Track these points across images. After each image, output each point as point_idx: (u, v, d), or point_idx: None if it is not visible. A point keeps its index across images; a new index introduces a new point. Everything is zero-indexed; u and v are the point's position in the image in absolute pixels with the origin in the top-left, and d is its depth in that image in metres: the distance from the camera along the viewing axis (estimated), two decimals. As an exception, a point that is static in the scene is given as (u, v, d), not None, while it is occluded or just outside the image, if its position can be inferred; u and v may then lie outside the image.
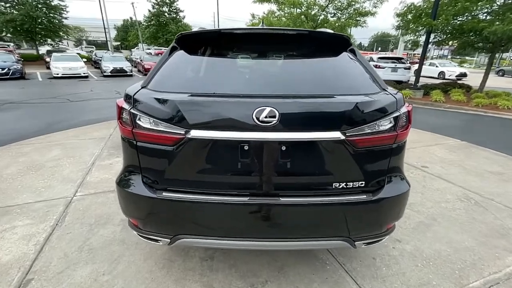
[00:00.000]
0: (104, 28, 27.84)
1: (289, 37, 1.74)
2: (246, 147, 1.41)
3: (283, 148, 1.42)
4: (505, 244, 2.39)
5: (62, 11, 23.58)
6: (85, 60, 18.04)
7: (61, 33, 24.60)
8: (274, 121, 1.37)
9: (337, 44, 1.78)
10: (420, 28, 10.75)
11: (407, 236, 2.46)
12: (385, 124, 1.47)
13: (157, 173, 1.52)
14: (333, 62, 1.76)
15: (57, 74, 15.32)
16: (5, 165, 3.76)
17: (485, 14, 10.20)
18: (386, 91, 1.60)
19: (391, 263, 2.14)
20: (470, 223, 2.69)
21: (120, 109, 1.53)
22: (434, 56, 44.37)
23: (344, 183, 1.51)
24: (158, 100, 1.46)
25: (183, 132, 1.41)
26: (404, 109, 1.53)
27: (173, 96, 1.46)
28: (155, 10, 31.09)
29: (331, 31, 1.78)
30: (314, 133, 1.42)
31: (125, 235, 2.37)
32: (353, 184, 1.51)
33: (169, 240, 1.58)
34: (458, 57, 48.46)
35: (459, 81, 14.23)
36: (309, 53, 1.80)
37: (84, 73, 16.03)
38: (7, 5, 21.38)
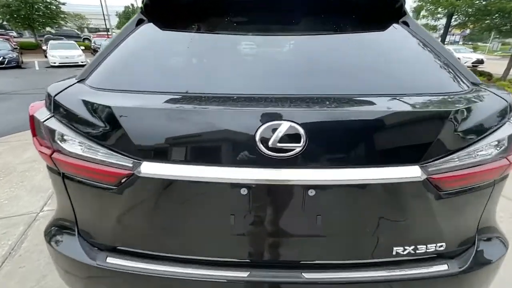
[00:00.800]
0: (103, 15, 26.91)
1: (313, 1, 1.13)
2: (244, 192, 0.82)
3: (311, 193, 0.81)
4: None
5: (59, -4, 22.79)
6: (83, 48, 17.34)
7: (59, 19, 23.88)
8: (298, 149, 0.76)
9: (384, 10, 1.16)
10: (440, 9, 9.83)
11: None
12: (491, 147, 0.87)
13: (98, 226, 0.96)
14: (381, 40, 1.14)
15: (54, 63, 14.84)
16: (-29, 169, 3.27)
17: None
18: (481, 87, 0.99)
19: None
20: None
21: (32, 118, 0.96)
22: (446, 43, 42.55)
23: (412, 247, 0.92)
24: (89, 105, 0.86)
25: (130, 165, 0.82)
26: None
27: (113, 99, 0.86)
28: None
29: None
30: (371, 169, 0.80)
31: (92, 271, 1.85)
32: (426, 248, 0.92)
33: None
34: (470, 43, 46.32)
35: (477, 69, 13.27)
36: (343, 27, 1.17)
37: (82, 62, 15.45)
38: None
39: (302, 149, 0.76)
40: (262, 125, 0.76)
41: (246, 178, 0.79)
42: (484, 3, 9.19)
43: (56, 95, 0.92)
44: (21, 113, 6.03)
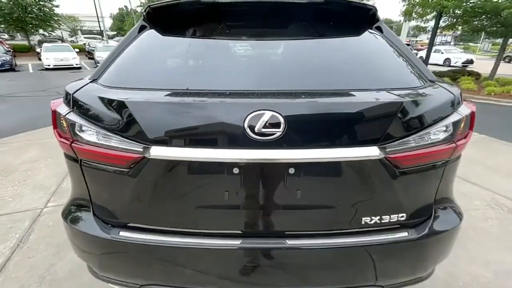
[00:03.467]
0: (98, 17, 26.83)
1: (298, 8, 1.29)
2: (235, 171, 0.97)
3: (292, 171, 0.97)
4: (554, 265, 2.00)
5: (52, -1, 22.68)
6: (77, 50, 17.30)
7: (52, 22, 23.75)
8: (278, 133, 0.92)
9: (360, 19, 1.32)
10: (429, 10, 10.10)
11: (435, 255, 2.06)
12: (440, 132, 1.03)
13: (111, 205, 1.10)
14: (356, 46, 1.30)
15: (49, 65, 14.76)
16: (-27, 169, 3.35)
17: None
18: (436, 83, 1.15)
19: (421, 295, 1.75)
20: (507, 236, 2.29)
21: (54, 113, 1.09)
22: (437, 43, 43.22)
23: (378, 217, 1.07)
24: (104, 100, 1.00)
25: (141, 149, 0.96)
26: (464, 110, 1.08)
27: (125, 94, 1.01)
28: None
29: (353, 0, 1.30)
30: (339, 149, 0.96)
31: (98, 260, 1.97)
32: (390, 218, 1.08)
33: None
34: (461, 43, 47.22)
35: (466, 68, 13.61)
36: (325, 33, 1.34)
37: (76, 64, 15.43)
38: None
39: (282, 133, 0.92)
40: (249, 114, 0.91)
41: (237, 157, 0.94)
42: (471, 5, 9.49)
43: (74, 93, 1.06)
44: (17, 116, 6.09)
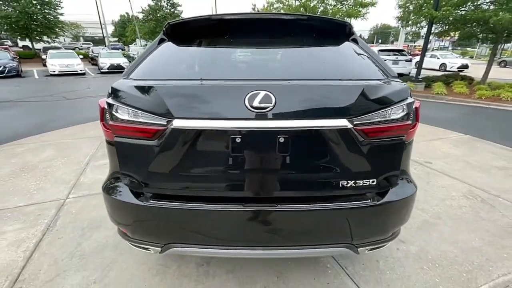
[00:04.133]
0: (101, 24, 27.41)
1: (287, 23, 1.66)
2: (238, 139, 1.27)
3: (281, 139, 1.27)
4: (513, 244, 2.30)
5: (57, 7, 23.22)
6: (81, 56, 17.77)
7: (57, 29, 24.29)
8: (270, 107, 1.23)
9: (338, 32, 1.69)
10: (422, 19, 10.53)
11: (411, 236, 2.36)
12: (398, 112, 1.34)
13: (142, 176, 1.40)
14: (334, 51, 1.66)
15: (54, 71, 15.17)
16: (-3, 166, 3.67)
17: (488, 3, 9.97)
18: (395, 79, 1.47)
19: (395, 265, 2.05)
20: (477, 222, 2.59)
21: (102, 108, 1.41)
22: (435, 48, 43.80)
23: (351, 182, 1.37)
24: (137, 87, 1.34)
25: (165, 123, 1.27)
26: (412, 101, 1.40)
27: (154, 82, 1.35)
28: (154, 3, 30.72)
29: (332, 17, 1.68)
30: (316, 120, 1.26)
31: (118, 240, 2.26)
32: (363, 182, 1.38)
33: (159, 249, 1.49)
34: (459, 48, 47.89)
35: (461, 73, 13.99)
36: (308, 41, 1.71)
37: (81, 70, 15.86)
38: (1, 1, 21.01)
39: (273, 107, 1.24)
40: (248, 93, 1.24)
41: (238, 127, 1.25)
42: (460, 13, 9.91)
43: (113, 85, 1.39)
44: (29, 119, 6.41)
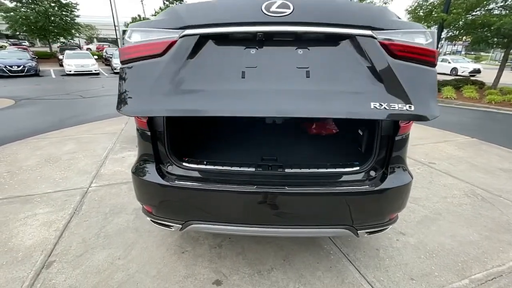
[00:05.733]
0: (114, 26, 28.19)
1: None
2: (252, 51, 1.37)
3: (300, 52, 1.37)
4: (509, 239, 2.41)
5: (73, 9, 24.03)
6: (96, 57, 18.35)
7: (73, 31, 25.10)
8: (288, 12, 1.30)
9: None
10: (432, 23, 10.56)
11: (411, 229, 2.50)
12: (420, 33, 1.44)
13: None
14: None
15: (70, 71, 15.73)
16: (24, 158, 3.95)
17: (500, 8, 9.94)
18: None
19: (394, 254, 2.19)
20: (476, 218, 2.70)
21: None
22: (447, 52, 43.18)
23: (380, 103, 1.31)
24: None
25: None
26: None
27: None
28: (164, 6, 31.38)
29: None
30: (337, 29, 1.32)
31: (139, 224, 2.49)
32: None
33: (180, 225, 1.68)
34: (472, 52, 47.07)
35: (472, 78, 13.88)
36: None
37: (95, 70, 16.40)
38: (20, 4, 21.85)
39: (291, 12, 1.32)
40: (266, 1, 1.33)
41: (259, 30, 1.33)
42: (470, 18, 9.91)
43: None
44: (49, 116, 6.76)
